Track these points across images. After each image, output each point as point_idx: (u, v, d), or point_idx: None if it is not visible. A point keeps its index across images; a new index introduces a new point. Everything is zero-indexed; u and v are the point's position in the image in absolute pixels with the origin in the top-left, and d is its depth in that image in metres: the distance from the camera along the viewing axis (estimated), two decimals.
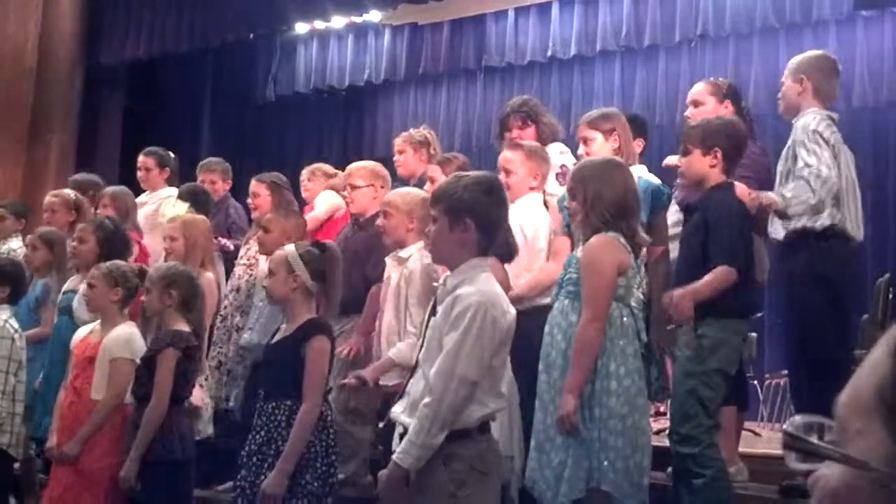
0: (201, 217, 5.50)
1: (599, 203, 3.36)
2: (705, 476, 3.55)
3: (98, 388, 4.20)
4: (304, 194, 6.32)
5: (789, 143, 4.21)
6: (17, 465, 4.98)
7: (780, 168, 4.23)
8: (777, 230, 4.19)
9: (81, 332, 4.50)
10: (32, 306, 5.33)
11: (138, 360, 4.18)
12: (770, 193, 4.04)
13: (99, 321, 4.40)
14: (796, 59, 4.40)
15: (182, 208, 5.71)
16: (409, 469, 2.66)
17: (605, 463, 3.25)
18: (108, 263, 4.46)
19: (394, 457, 2.70)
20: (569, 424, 3.25)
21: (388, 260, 4.36)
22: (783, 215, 4.05)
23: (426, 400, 2.66)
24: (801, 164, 4.03)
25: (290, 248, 3.77)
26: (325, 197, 6.09)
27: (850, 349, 4.27)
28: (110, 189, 6.08)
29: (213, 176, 6.54)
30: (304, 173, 6.38)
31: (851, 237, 4.12)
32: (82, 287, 4.75)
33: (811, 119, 4.11)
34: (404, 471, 2.67)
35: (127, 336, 4.25)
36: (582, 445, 3.28)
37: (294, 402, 3.48)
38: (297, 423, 3.43)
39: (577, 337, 3.29)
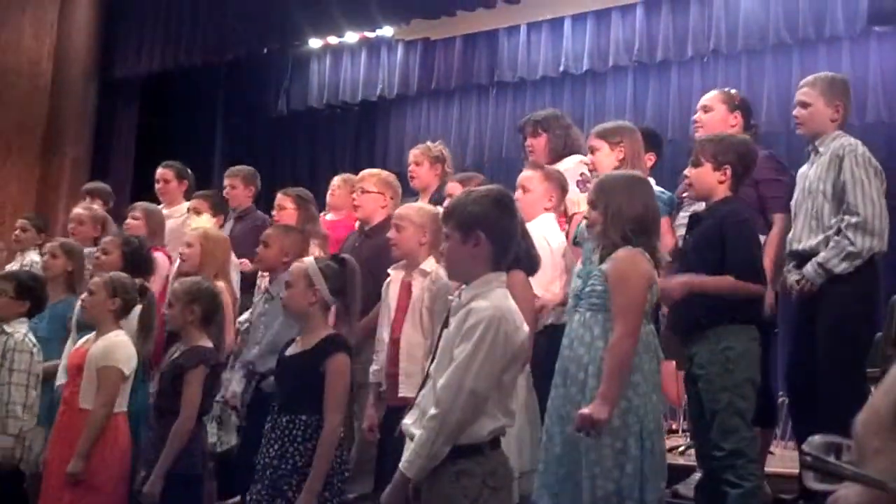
0: (223, 235, 5.57)
1: (619, 217, 3.34)
2: (744, 488, 3.52)
3: (85, 396, 4.21)
4: (329, 199, 6.21)
5: (826, 159, 4.10)
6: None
7: (820, 187, 4.11)
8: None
9: (79, 342, 4.53)
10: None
11: (126, 370, 4.22)
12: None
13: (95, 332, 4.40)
14: (826, 81, 4.30)
15: (209, 222, 5.74)
16: (413, 478, 2.67)
17: (612, 486, 3.20)
18: (111, 273, 4.51)
19: (399, 465, 2.72)
20: (594, 430, 3.14)
21: (391, 271, 4.35)
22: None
23: (432, 412, 2.65)
24: (856, 200, 4.00)
25: (310, 261, 3.79)
26: None
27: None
28: (143, 204, 6.13)
29: (235, 181, 6.50)
30: (336, 181, 6.21)
31: (881, 252, 4.14)
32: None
33: (854, 141, 4.10)
34: (408, 479, 2.68)
35: (112, 344, 4.27)
36: (598, 463, 3.24)
37: (310, 418, 3.47)
38: (321, 444, 3.43)
39: (611, 351, 3.24)
